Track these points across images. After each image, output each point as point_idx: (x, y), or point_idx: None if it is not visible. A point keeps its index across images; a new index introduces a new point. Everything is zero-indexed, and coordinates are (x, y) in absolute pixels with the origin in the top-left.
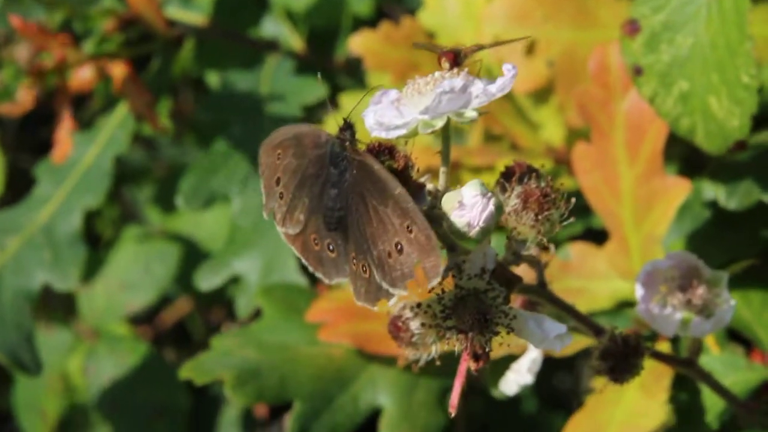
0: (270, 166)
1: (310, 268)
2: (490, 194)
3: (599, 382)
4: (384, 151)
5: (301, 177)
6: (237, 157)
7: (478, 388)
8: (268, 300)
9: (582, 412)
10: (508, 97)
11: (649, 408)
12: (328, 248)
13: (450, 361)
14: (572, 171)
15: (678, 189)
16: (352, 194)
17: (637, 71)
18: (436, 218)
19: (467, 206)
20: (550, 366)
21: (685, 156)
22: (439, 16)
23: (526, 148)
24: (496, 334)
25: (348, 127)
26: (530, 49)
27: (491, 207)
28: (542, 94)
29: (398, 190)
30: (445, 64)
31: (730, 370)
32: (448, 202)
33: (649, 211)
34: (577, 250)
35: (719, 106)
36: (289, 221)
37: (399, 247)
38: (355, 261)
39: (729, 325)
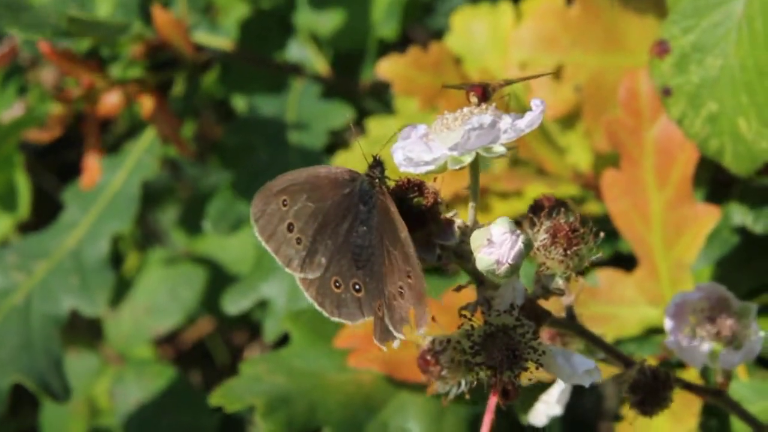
0: (274, 214)
1: (325, 313)
2: (518, 232)
3: (628, 413)
4: (413, 187)
5: (323, 220)
6: (263, 182)
7: (502, 410)
8: (295, 325)
9: None
10: None
11: None
12: (354, 288)
13: (479, 387)
14: (599, 196)
15: (708, 216)
16: (377, 233)
17: (666, 92)
18: (464, 254)
19: (496, 244)
20: (573, 386)
21: (712, 180)
22: (466, 41)
23: (553, 173)
24: (525, 369)
25: (377, 164)
26: (558, 74)
27: (520, 244)
28: (569, 119)
29: (404, 234)
30: (473, 99)
31: (759, 397)
32: (476, 240)
33: (679, 238)
34: (605, 276)
35: (748, 127)
36: (309, 266)
37: (401, 290)
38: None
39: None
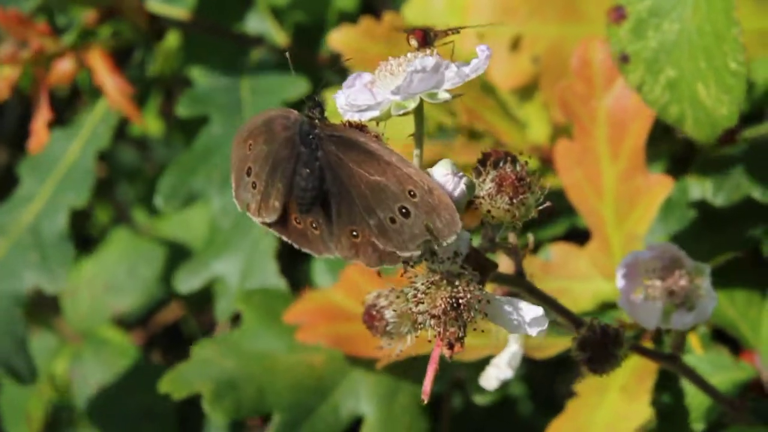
0: (241, 158)
1: (296, 246)
2: (461, 173)
3: (580, 385)
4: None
5: (273, 162)
6: (216, 156)
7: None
8: (247, 306)
9: (562, 416)
10: (492, 93)
11: (631, 411)
12: (312, 226)
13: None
14: (557, 170)
15: (660, 186)
16: (330, 170)
17: (624, 59)
18: None
19: None
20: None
21: (673, 153)
22: (424, 11)
23: (510, 146)
24: (470, 319)
25: (317, 104)
26: (515, 45)
27: (462, 186)
28: (527, 91)
29: (393, 158)
30: (413, 43)
31: (717, 370)
32: None
33: (632, 209)
34: (558, 250)
35: (707, 93)
36: (265, 210)
37: (404, 211)
38: (342, 235)
39: (713, 325)
